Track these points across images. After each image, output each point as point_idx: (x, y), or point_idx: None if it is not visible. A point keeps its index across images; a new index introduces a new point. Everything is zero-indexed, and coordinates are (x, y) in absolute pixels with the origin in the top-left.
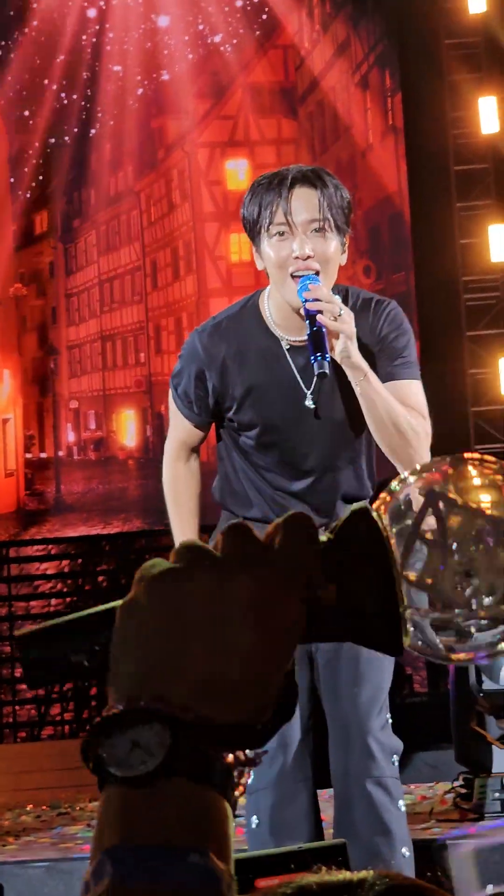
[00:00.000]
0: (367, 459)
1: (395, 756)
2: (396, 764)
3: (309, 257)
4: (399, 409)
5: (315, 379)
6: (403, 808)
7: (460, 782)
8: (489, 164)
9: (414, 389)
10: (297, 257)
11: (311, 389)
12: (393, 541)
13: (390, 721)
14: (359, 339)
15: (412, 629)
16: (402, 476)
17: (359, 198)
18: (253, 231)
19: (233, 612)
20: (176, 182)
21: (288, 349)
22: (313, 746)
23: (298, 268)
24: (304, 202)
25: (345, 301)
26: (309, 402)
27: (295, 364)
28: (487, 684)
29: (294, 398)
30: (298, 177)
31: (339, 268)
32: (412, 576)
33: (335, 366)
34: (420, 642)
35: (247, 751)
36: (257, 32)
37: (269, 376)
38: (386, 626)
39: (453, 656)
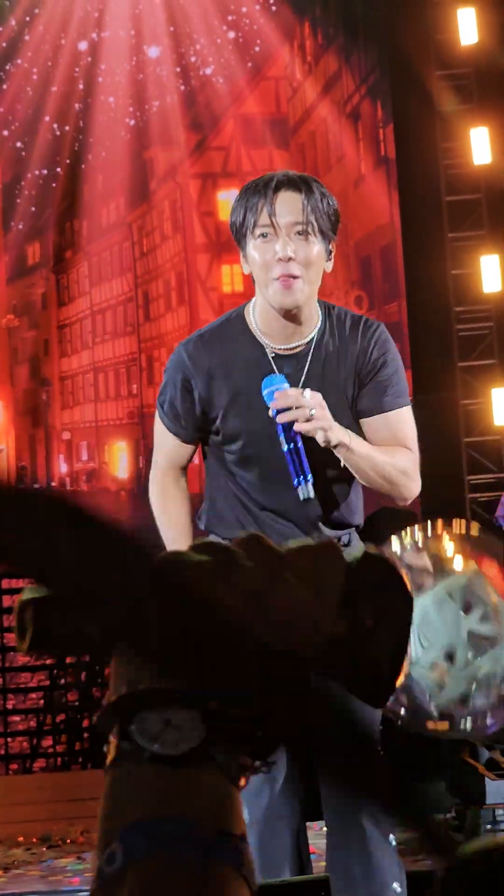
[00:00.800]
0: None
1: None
2: None
3: (291, 259)
4: (384, 461)
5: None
6: (395, 843)
7: (452, 814)
8: (481, 194)
9: (402, 418)
10: (279, 259)
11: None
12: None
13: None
14: (346, 362)
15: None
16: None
17: (351, 229)
18: (239, 234)
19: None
20: (168, 213)
21: (273, 357)
22: (306, 778)
23: (282, 273)
24: (288, 205)
25: (330, 318)
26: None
27: (280, 373)
28: None
29: None
30: (284, 181)
31: (332, 295)
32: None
33: (318, 373)
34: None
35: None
36: (249, 64)
37: (255, 384)
38: (380, 676)
39: (431, 725)
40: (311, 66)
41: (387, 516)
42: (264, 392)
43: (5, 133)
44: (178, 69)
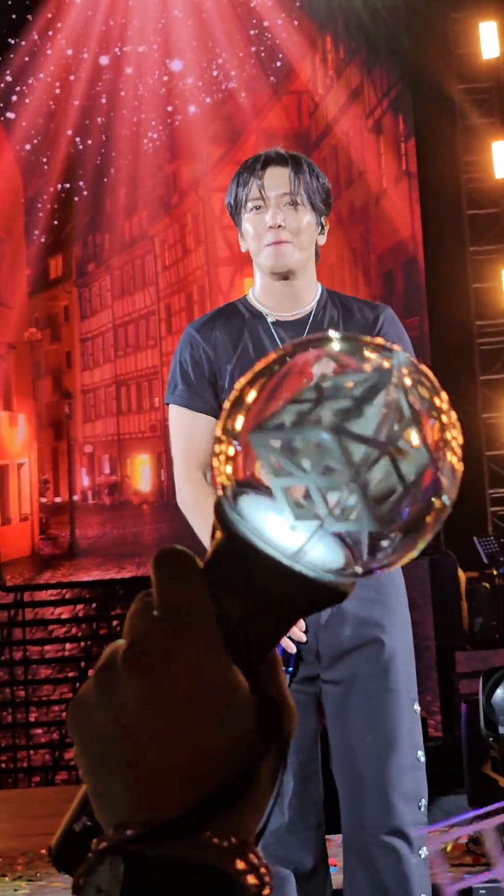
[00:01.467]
0: None
1: (420, 801)
2: (423, 809)
3: (280, 226)
4: None
5: None
6: (424, 856)
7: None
8: (503, 208)
9: None
10: (270, 227)
11: None
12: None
13: (422, 759)
14: (350, 328)
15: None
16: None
17: (373, 243)
18: (234, 212)
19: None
20: (190, 227)
21: (273, 322)
22: (322, 791)
23: (273, 239)
24: (277, 179)
25: (332, 295)
26: None
27: (279, 338)
28: (502, 729)
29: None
30: (273, 156)
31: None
32: None
33: (324, 319)
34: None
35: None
36: (271, 78)
37: (258, 347)
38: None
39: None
40: (333, 80)
41: None
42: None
43: (27, 147)
44: (201, 83)
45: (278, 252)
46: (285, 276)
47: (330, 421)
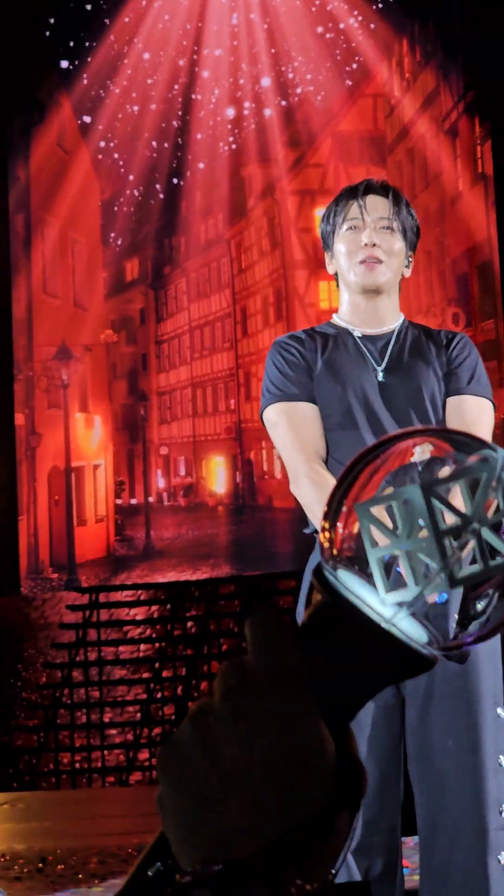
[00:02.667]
0: None
1: (502, 806)
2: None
3: (376, 245)
4: None
5: (388, 355)
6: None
7: None
8: None
9: (483, 408)
10: (365, 244)
11: (383, 366)
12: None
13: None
14: (431, 346)
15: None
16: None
17: (448, 246)
18: (327, 235)
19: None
20: (266, 230)
21: (360, 336)
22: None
23: (366, 256)
24: (377, 204)
25: (412, 324)
26: (380, 376)
27: (366, 350)
28: None
29: (367, 373)
30: (374, 185)
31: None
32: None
33: (402, 350)
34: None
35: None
36: (347, 81)
37: (344, 355)
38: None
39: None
40: (409, 83)
41: None
42: None
43: (104, 150)
44: (276, 86)
45: (370, 270)
46: (374, 293)
47: (426, 481)
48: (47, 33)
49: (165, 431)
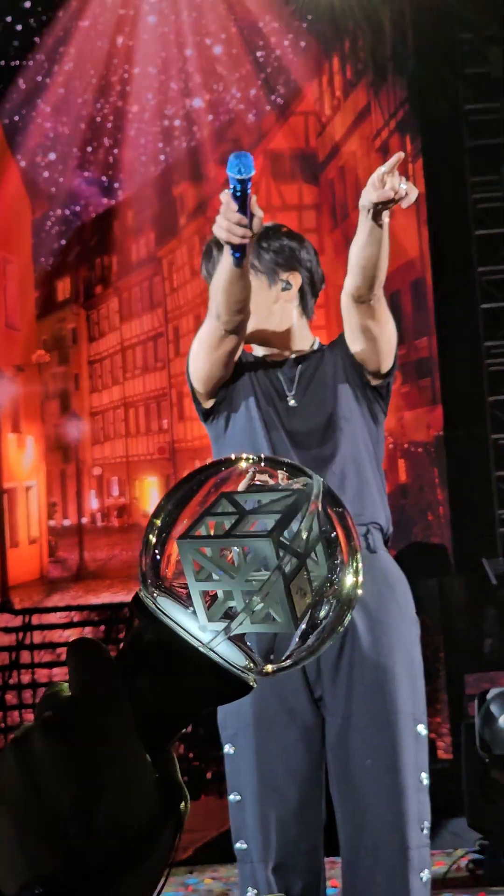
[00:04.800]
0: (374, 473)
1: (424, 823)
2: (426, 832)
3: None
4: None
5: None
6: (426, 879)
7: (476, 848)
8: None
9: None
10: None
11: (293, 392)
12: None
13: (425, 782)
14: (335, 367)
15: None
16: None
17: None
18: None
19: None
20: (198, 248)
21: (265, 355)
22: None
23: None
24: None
25: (321, 354)
26: (292, 402)
27: (276, 374)
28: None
29: (278, 400)
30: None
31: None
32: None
33: (329, 370)
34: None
35: None
36: (278, 100)
37: (255, 379)
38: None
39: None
40: (339, 102)
41: (417, 551)
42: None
43: (35, 169)
44: (207, 105)
45: None
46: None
47: (264, 529)
48: None
49: (98, 452)
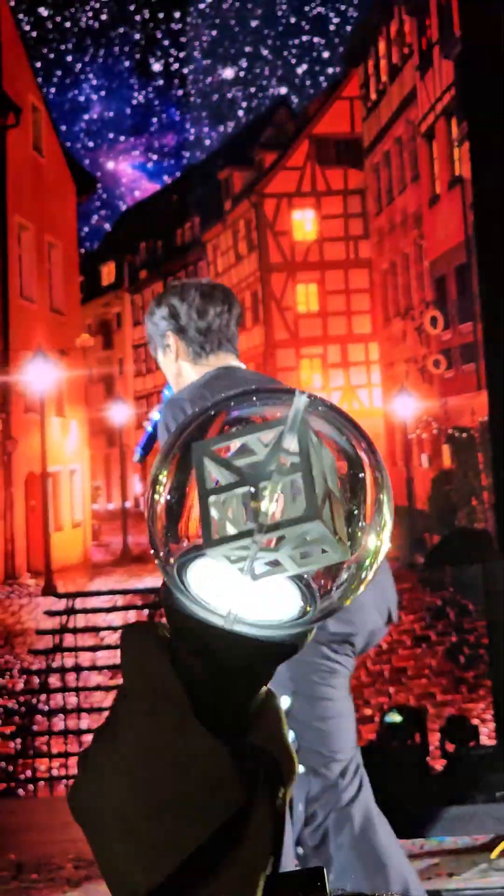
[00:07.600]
0: None
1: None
2: None
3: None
4: None
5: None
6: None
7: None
8: None
9: None
10: None
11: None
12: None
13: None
14: None
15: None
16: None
17: (425, 248)
18: None
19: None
20: (243, 233)
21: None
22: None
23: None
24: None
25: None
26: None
27: None
28: None
29: None
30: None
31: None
32: None
33: None
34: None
35: None
36: (324, 84)
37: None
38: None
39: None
40: (386, 86)
41: (462, 536)
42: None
43: (81, 154)
44: (253, 89)
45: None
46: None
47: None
48: (30, 31)
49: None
